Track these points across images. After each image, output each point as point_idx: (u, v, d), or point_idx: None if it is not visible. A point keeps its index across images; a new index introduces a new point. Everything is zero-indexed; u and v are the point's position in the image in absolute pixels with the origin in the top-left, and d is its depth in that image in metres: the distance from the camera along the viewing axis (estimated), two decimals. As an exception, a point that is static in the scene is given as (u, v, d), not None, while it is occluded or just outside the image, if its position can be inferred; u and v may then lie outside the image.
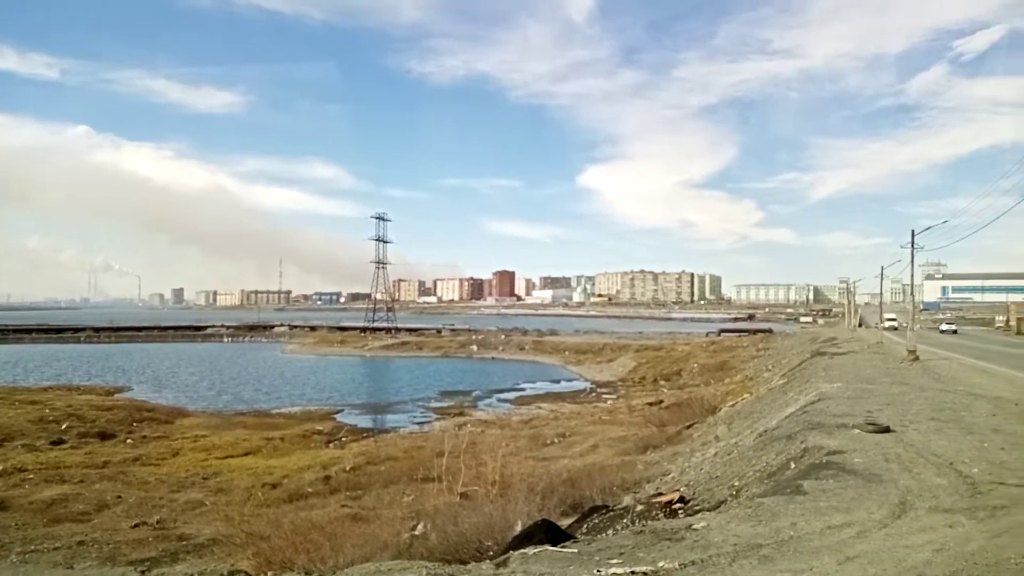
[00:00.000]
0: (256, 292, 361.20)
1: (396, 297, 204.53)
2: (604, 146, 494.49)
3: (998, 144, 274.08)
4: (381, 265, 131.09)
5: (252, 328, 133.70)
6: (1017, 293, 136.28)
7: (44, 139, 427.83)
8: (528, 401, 51.99)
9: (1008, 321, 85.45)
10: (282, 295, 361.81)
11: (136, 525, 19.76)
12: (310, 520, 18.31)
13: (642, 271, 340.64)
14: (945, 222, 36.32)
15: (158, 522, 20.26)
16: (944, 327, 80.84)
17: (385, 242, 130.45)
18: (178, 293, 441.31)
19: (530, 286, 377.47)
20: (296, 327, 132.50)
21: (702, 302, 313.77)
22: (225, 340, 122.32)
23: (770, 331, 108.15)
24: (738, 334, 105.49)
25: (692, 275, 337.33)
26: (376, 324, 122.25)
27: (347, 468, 27.83)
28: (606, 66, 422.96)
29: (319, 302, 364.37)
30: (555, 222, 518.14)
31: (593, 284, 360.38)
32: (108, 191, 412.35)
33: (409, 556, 12.49)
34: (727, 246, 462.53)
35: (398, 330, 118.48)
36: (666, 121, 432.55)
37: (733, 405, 30.76)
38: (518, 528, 10.09)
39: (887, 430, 13.13)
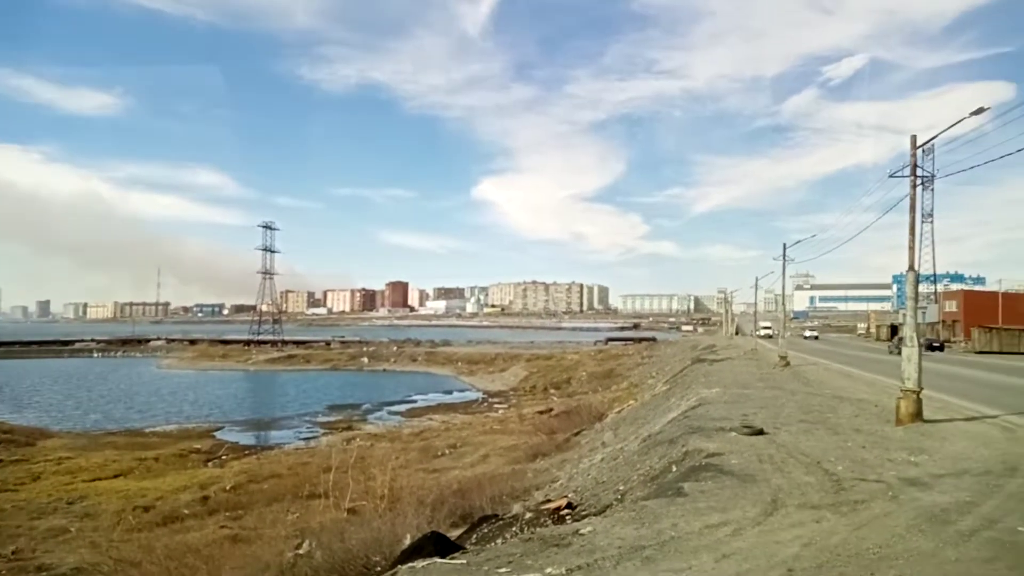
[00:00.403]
0: (131, 304, 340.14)
1: (283, 309, 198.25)
2: (499, 159, 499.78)
3: (861, 164, 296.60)
4: (268, 276, 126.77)
5: (126, 342, 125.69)
6: (877, 302, 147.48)
7: None
8: (420, 413, 51.51)
9: (868, 328, 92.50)
10: (160, 307, 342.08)
11: (-11, 557, 18.10)
12: (186, 543, 17.46)
13: (534, 282, 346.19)
14: (813, 236, 38.84)
15: (13, 553, 18.68)
16: (807, 334, 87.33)
17: (272, 252, 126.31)
18: (44, 306, 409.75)
19: (424, 297, 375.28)
20: (174, 341, 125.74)
21: (591, 312, 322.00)
22: (95, 355, 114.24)
23: (654, 339, 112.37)
24: (624, 343, 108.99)
25: (582, 286, 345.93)
26: (262, 337, 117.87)
27: (227, 487, 26.58)
28: (500, 80, 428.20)
29: (200, 314, 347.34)
30: (450, 233, 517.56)
31: (486, 295, 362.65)
32: None
33: (292, 574, 12.08)
34: (615, 258, 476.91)
35: (285, 343, 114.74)
36: (558, 136, 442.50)
37: (619, 412, 31.60)
38: (407, 542, 9.95)
39: (761, 432, 13.81)
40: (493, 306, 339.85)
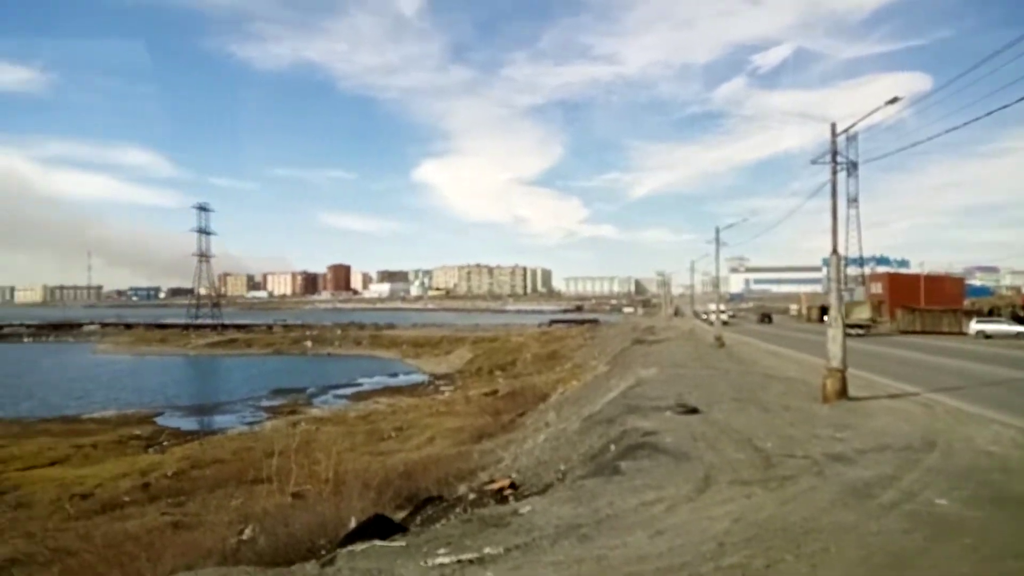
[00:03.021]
0: (61, 288, 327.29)
1: (222, 292, 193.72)
2: (437, 141, 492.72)
3: (788, 150, 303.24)
4: (204, 258, 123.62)
5: (57, 327, 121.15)
6: (808, 285, 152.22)
7: None
8: (365, 396, 51.33)
9: (800, 310, 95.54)
10: (92, 291, 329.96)
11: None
12: (125, 531, 17.21)
13: (478, 265, 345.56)
14: (744, 220, 40.85)
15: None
16: (725, 317, 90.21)
17: (208, 234, 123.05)
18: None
19: (367, 280, 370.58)
20: (109, 325, 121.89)
21: (535, 295, 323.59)
22: (25, 340, 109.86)
23: (596, 321, 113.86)
24: (567, 325, 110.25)
25: (525, 269, 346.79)
26: (201, 321, 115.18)
27: (168, 474, 26.26)
28: (437, 61, 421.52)
29: (135, 298, 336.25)
30: (391, 216, 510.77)
31: (431, 278, 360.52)
32: None
33: (236, 562, 12.08)
34: (557, 241, 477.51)
35: (225, 327, 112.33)
36: (498, 119, 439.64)
37: (563, 392, 32.19)
38: (352, 525, 10.06)
39: (695, 411, 14.38)
40: (437, 289, 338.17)
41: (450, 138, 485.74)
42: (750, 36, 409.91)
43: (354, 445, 28.21)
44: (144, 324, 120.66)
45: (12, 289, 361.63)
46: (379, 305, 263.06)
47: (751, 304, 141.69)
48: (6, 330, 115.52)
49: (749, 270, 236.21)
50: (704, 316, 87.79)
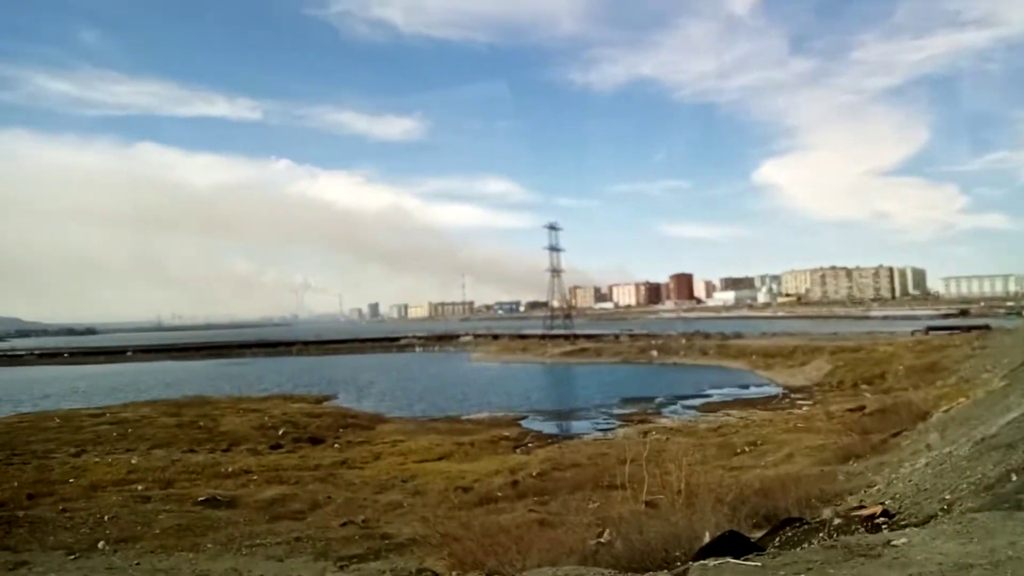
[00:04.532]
0: (442, 304, 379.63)
1: (573, 304, 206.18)
2: (780, 139, 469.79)
3: None
4: (556, 273, 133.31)
5: (440, 338, 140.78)
6: None
7: (251, 174, 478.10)
8: (715, 408, 50.36)
9: None
10: (465, 306, 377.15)
11: (344, 524, 21.18)
12: (498, 523, 18.71)
13: (833, 267, 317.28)
14: None
15: (363, 521, 21.68)
16: None
17: (558, 250, 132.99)
18: (373, 307, 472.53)
19: (710, 288, 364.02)
20: (480, 336, 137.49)
21: (905, 298, 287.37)
22: (417, 350, 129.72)
23: (987, 327, 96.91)
24: (948, 332, 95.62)
25: (891, 269, 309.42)
26: (554, 332, 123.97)
27: (533, 473, 28.37)
28: (775, 56, 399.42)
29: (500, 312, 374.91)
30: (732, 221, 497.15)
31: (779, 283, 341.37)
32: (299, 217, 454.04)
33: (595, 563, 12.59)
34: (929, 236, 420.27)
35: (576, 337, 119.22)
36: (846, 108, 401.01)
37: (947, 410, 28.01)
38: (706, 539, 9.84)
39: None
40: (787, 295, 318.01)
41: (794, 135, 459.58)
42: None
43: (705, 458, 27.71)
44: (508, 335, 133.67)
45: (406, 306, 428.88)
46: (724, 314, 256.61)
47: None
48: (403, 341, 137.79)
49: None
50: None
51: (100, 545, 17.87)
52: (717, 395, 58.87)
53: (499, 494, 25.18)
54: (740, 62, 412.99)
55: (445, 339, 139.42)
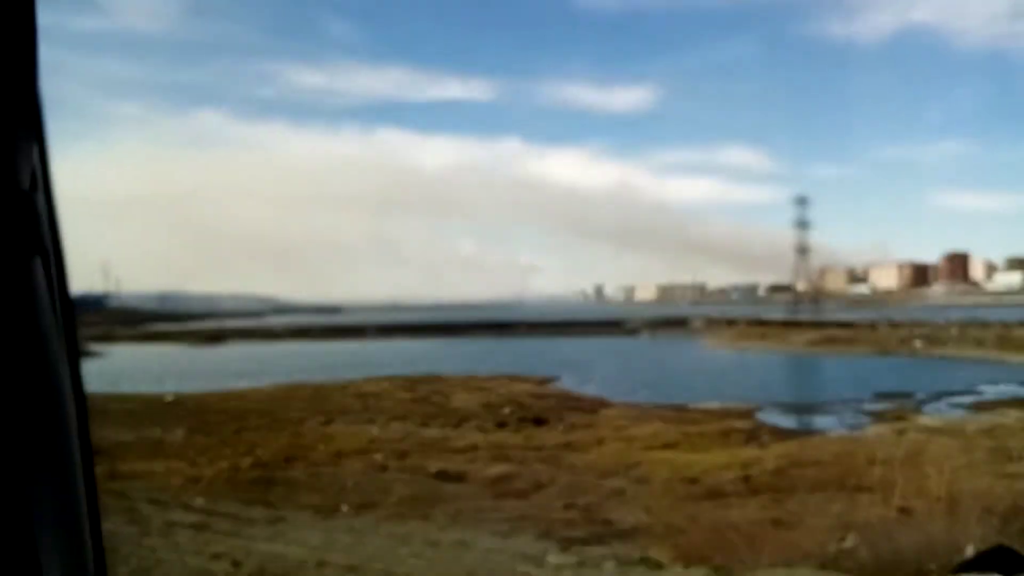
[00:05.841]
0: (671, 286, 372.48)
1: (821, 287, 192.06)
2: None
3: None
4: (802, 252, 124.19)
5: (668, 322, 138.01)
6: None
7: (480, 155, 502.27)
8: (988, 407, 43.95)
9: None
10: (696, 288, 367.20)
11: (567, 506, 21.30)
12: (727, 519, 18.02)
13: None
14: None
15: (585, 506, 21.68)
16: None
17: (806, 227, 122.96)
18: (598, 289, 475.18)
19: (990, 269, 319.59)
20: (712, 321, 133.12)
21: None
22: (642, 334, 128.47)
23: None
24: None
25: None
26: (798, 318, 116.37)
27: (768, 470, 26.65)
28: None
29: (735, 295, 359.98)
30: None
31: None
32: (525, 196, 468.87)
33: (835, 568, 11.56)
34: None
35: (825, 324, 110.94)
36: None
37: None
38: (968, 552, 8.96)
39: None
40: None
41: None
42: None
43: (972, 462, 24.29)
44: (745, 320, 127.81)
45: (632, 288, 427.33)
46: (1007, 299, 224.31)
47: None
48: (628, 325, 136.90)
49: None
50: None
51: (343, 508, 19.51)
52: (992, 392, 51.36)
53: (728, 489, 23.97)
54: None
55: (674, 324, 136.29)
